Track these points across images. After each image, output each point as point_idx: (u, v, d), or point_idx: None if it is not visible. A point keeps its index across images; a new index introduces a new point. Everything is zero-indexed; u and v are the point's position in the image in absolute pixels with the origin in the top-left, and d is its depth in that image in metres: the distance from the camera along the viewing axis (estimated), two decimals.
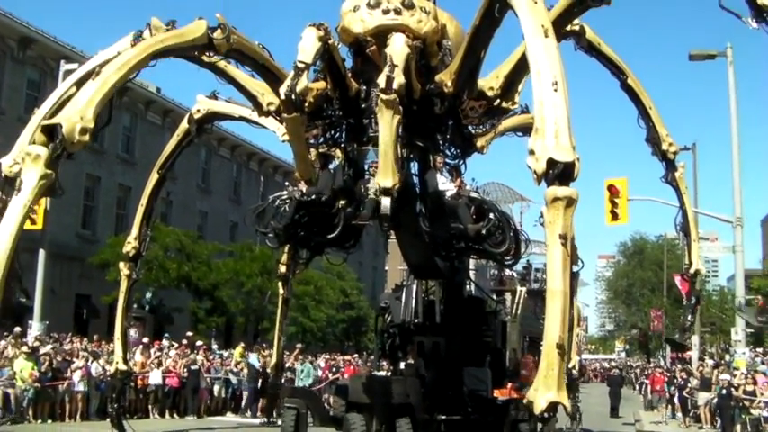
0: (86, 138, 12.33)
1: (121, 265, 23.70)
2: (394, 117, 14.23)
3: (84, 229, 46.59)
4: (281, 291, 28.27)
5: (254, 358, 33.72)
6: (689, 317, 26.55)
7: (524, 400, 10.84)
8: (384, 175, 14.83)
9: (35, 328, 31.74)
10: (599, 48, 19.29)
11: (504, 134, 22.36)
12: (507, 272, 63.79)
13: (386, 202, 15.90)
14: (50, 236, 34.91)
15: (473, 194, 18.55)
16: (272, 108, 19.31)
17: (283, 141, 19.62)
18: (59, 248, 39.46)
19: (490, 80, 16.58)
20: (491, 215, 18.06)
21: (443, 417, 19.26)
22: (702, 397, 31.04)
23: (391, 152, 14.86)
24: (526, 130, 23.04)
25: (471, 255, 22.54)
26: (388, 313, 24.30)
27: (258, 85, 17.51)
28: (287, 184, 20.69)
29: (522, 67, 16.63)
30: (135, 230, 23.38)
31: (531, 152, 10.48)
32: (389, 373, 24.44)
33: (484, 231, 17.74)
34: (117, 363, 23.32)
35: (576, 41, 18.78)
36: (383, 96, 13.64)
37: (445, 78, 15.91)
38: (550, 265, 10.36)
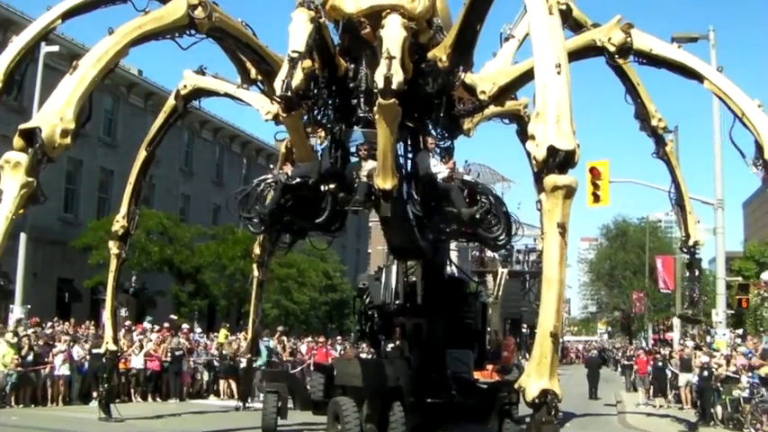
0: (68, 140, 12.03)
1: (111, 243, 23.58)
2: (393, 121, 14.16)
3: (66, 213, 46.36)
4: (255, 273, 28.01)
5: (269, 342, 34.21)
6: (695, 290, 26.62)
7: (516, 386, 10.90)
8: (384, 178, 14.88)
9: (16, 312, 31.64)
10: (586, 25, 19.04)
11: (490, 119, 22.31)
12: (489, 253, 63.99)
13: (386, 204, 15.97)
14: (32, 220, 34.70)
15: (466, 177, 18.24)
16: (269, 118, 19.20)
17: (266, 120, 19.50)
18: (41, 232, 39.24)
19: (484, 83, 16.34)
20: (484, 198, 17.75)
21: (429, 400, 19.18)
22: (683, 378, 31.22)
23: (390, 155, 14.89)
24: (512, 116, 23.03)
25: (463, 239, 22.45)
26: (367, 294, 24.17)
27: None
28: (271, 167, 20.49)
29: (520, 83, 16.57)
30: (123, 209, 23.29)
31: (532, 137, 10.43)
32: (370, 356, 24.39)
33: (478, 215, 17.43)
34: (107, 343, 23.35)
35: (562, 20, 18.64)
36: (382, 102, 13.48)
37: (439, 53, 15.65)
38: (547, 253, 10.37)
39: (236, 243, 46.94)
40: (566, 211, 10.28)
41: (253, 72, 17.67)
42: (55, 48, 34.41)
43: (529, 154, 23.31)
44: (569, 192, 10.26)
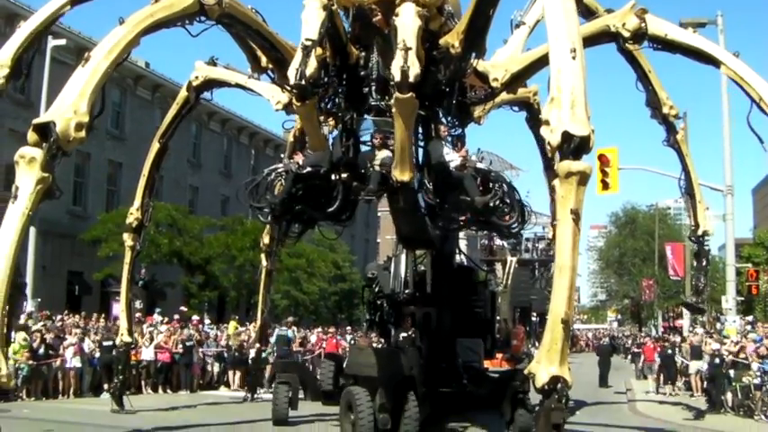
0: (82, 134, 11.91)
1: (125, 236, 23.56)
2: (411, 115, 14.08)
3: (75, 206, 46.45)
4: (264, 263, 27.83)
5: (288, 331, 34.47)
6: (701, 279, 26.51)
7: (525, 372, 10.86)
8: (402, 171, 14.85)
9: (27, 305, 31.70)
10: (598, 11, 18.75)
11: (500, 107, 22.22)
12: (498, 242, 63.85)
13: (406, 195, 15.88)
14: (41, 213, 34.60)
15: (479, 165, 18.02)
16: (279, 108, 19.07)
17: (276, 110, 19.41)
18: (50, 225, 39.36)
19: (497, 70, 16.26)
20: (497, 186, 17.53)
21: (440, 389, 19.11)
22: (693, 365, 31.16)
23: (408, 147, 14.86)
24: (522, 104, 22.94)
25: (476, 227, 22.36)
26: (376, 284, 24.13)
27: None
28: (282, 156, 20.38)
29: (532, 70, 16.46)
30: (137, 201, 23.23)
31: (546, 122, 10.37)
32: (380, 345, 24.36)
33: (491, 204, 17.24)
34: (122, 335, 23.44)
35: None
36: (399, 96, 13.36)
37: (452, 39, 15.46)
38: (560, 240, 10.32)
39: (245, 234, 47.00)
40: (579, 198, 10.22)
41: (263, 60, 17.50)
42: (62, 41, 34.52)
43: (540, 139, 23.33)
44: (583, 178, 10.21)
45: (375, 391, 17.13)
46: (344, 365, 20.28)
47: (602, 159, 32.38)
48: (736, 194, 33.80)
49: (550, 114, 10.29)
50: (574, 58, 10.38)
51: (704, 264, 25.66)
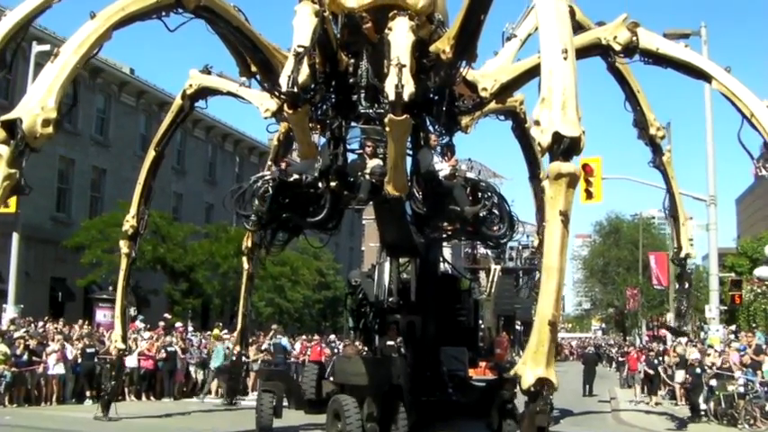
0: (50, 130, 11.72)
1: (121, 243, 23.76)
2: (404, 134, 13.99)
3: (58, 212, 46.17)
4: (245, 266, 27.95)
5: (282, 340, 34.84)
6: (683, 302, 26.64)
7: (511, 373, 10.83)
8: (395, 186, 14.85)
9: (9, 311, 31.57)
10: (589, 28, 18.81)
11: (486, 116, 22.24)
12: (481, 250, 63.93)
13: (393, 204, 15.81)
14: (24, 219, 34.67)
15: (469, 174, 17.97)
16: (268, 115, 18.96)
17: (265, 117, 19.36)
18: (33, 231, 39.18)
19: (486, 80, 16.19)
20: (487, 196, 17.41)
21: (425, 398, 19.10)
22: (679, 375, 31.13)
23: (401, 164, 14.87)
24: (508, 113, 22.98)
25: (464, 237, 22.28)
26: (360, 291, 24.07)
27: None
28: (269, 163, 20.32)
29: (522, 81, 16.44)
30: (133, 209, 23.40)
31: (537, 123, 10.33)
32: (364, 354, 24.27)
33: (481, 214, 17.15)
34: (116, 341, 23.52)
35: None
36: (394, 118, 13.27)
37: (442, 45, 15.31)
38: (548, 241, 10.26)
39: (228, 241, 46.87)
40: (569, 200, 10.17)
41: (252, 65, 17.38)
42: (46, 47, 34.34)
43: (526, 148, 23.33)
44: (573, 180, 10.16)
45: (363, 400, 17.08)
46: (331, 373, 20.18)
47: (586, 169, 32.39)
48: (719, 204, 34.00)
49: (541, 115, 10.25)
50: (565, 59, 10.36)
51: (686, 286, 25.73)
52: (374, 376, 17.64)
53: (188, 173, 58.42)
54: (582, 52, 15.21)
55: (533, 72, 15.54)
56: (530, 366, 10.18)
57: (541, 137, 10.19)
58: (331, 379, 21.04)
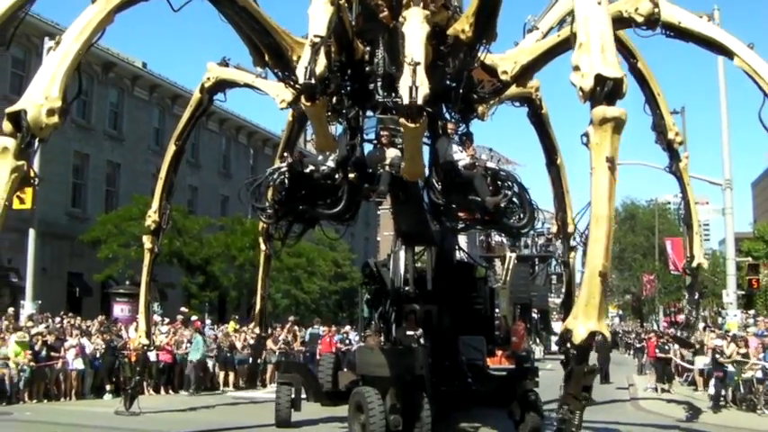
0: (55, 119, 11.53)
1: (144, 238, 23.64)
2: (420, 136, 13.83)
3: (74, 207, 46.34)
4: (262, 247, 27.45)
5: (320, 329, 35.41)
6: (693, 313, 26.43)
7: (562, 329, 10.67)
8: (411, 174, 14.84)
9: (27, 307, 31.65)
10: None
11: (502, 102, 21.98)
12: (496, 237, 63.59)
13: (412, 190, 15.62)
14: (40, 215, 34.74)
15: (489, 164, 17.60)
16: (284, 106, 18.74)
17: (281, 108, 19.21)
18: (49, 227, 39.34)
19: (506, 62, 15.84)
20: (508, 186, 17.03)
21: (445, 388, 18.92)
22: (698, 361, 30.92)
23: (418, 156, 14.71)
24: (523, 99, 22.75)
25: (484, 227, 22.04)
26: (375, 281, 23.78)
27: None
28: (285, 155, 20.08)
29: (542, 61, 16.20)
30: (155, 204, 23.27)
31: (576, 68, 10.15)
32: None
33: (503, 204, 16.75)
34: (140, 337, 23.64)
35: None
36: (408, 126, 12.94)
37: (461, 26, 14.85)
38: (596, 189, 10.06)
39: (244, 234, 46.93)
40: (615, 145, 10.00)
41: (266, 54, 16.96)
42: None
43: (543, 134, 23.05)
44: (618, 124, 9.98)
45: (386, 392, 16.83)
46: (350, 365, 20.00)
47: None
48: (736, 188, 33.78)
49: (580, 60, 10.05)
50: (600, 3, 10.25)
51: (696, 297, 25.46)
52: (397, 367, 17.33)
53: (203, 166, 58.49)
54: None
55: (554, 52, 15.40)
56: (581, 320, 10.00)
57: (583, 81, 10.01)
58: (345, 370, 20.97)
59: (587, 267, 10.29)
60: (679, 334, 27.92)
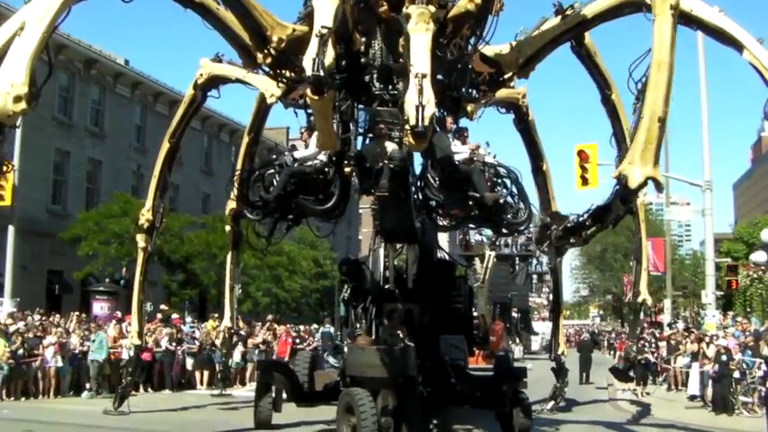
0: (23, 105, 11.07)
1: (138, 237, 23.48)
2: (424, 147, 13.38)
3: (54, 205, 46.06)
4: (228, 228, 26.33)
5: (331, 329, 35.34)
6: (633, 348, 26.61)
7: (615, 174, 10.57)
8: (418, 144, 14.51)
9: (6, 305, 31.54)
10: (593, 57, 18.74)
11: (488, 106, 21.80)
12: (476, 236, 63.34)
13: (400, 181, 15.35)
14: (20, 212, 34.61)
15: (488, 159, 17.43)
16: (273, 101, 18.44)
17: (271, 103, 19.04)
18: (29, 224, 39.12)
19: (509, 54, 15.81)
20: (507, 182, 16.98)
21: (428, 389, 18.60)
22: (680, 362, 30.70)
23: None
24: (510, 105, 22.65)
25: (479, 224, 21.87)
26: (354, 279, 23.45)
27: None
28: (276, 144, 19.81)
29: (545, 51, 16.02)
30: (149, 202, 23.22)
31: None
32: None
33: (502, 200, 16.69)
34: (132, 337, 23.57)
35: (575, 44, 18.05)
36: (413, 143, 12.22)
37: (465, 2, 14.21)
38: (659, 35, 10.01)
39: (225, 231, 46.74)
40: None
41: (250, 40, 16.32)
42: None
43: (528, 141, 22.73)
44: None
45: (377, 393, 16.43)
46: (344, 366, 19.53)
47: (582, 155, 32.48)
48: (717, 190, 34.04)
49: None
50: None
51: (638, 332, 25.56)
52: (391, 368, 16.89)
53: (184, 163, 58.22)
54: (614, 11, 14.78)
55: (558, 40, 15.32)
56: (638, 165, 9.97)
57: None
58: (327, 370, 20.79)
59: (646, 112, 10.21)
60: (620, 367, 27.72)
